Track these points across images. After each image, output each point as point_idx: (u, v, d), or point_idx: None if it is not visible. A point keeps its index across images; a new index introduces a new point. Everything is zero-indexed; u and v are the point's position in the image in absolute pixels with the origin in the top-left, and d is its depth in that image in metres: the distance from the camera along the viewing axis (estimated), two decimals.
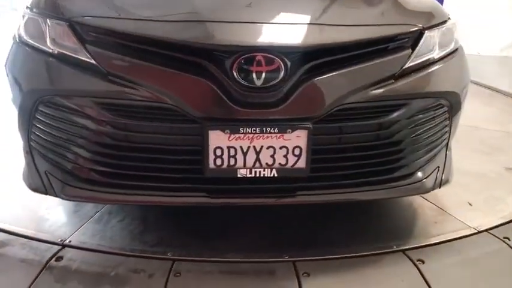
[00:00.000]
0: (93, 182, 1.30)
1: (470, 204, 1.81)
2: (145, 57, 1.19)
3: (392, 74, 1.31)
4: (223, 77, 1.17)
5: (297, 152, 1.24)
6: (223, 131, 1.19)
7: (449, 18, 1.59)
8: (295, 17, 1.32)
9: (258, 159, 1.23)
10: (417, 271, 1.35)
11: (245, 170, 1.24)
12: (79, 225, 1.56)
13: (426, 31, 1.40)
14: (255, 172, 1.25)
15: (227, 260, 1.36)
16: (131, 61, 1.19)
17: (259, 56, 1.17)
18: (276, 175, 1.26)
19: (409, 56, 1.34)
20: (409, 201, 1.81)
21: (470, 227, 1.62)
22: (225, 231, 1.56)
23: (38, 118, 1.29)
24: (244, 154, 1.22)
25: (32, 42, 1.32)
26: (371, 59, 1.28)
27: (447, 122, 1.49)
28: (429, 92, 1.37)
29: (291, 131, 1.21)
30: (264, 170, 1.25)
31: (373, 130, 1.31)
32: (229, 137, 1.20)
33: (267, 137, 1.21)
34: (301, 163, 1.25)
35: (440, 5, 1.67)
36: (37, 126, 1.31)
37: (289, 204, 1.36)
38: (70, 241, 1.46)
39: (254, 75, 1.18)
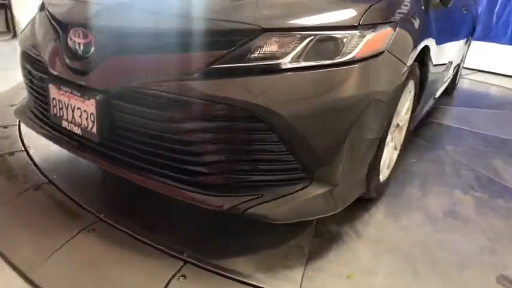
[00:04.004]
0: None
1: (348, 277, 1.37)
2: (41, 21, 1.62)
3: (198, 70, 1.25)
4: (64, 43, 1.47)
5: (92, 118, 1.40)
6: (54, 85, 1.49)
7: (356, 26, 1.28)
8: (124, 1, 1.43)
9: (73, 116, 1.47)
10: None
11: (66, 122, 1.51)
12: None
13: (268, 33, 1.23)
14: (71, 126, 1.49)
15: (126, 231, 1.51)
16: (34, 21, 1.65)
17: (79, 30, 1.40)
18: (80, 133, 1.46)
19: (224, 56, 1.23)
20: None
21: None
22: (161, 213, 1.66)
23: None
24: (66, 109, 1.49)
25: None
26: (179, 51, 1.27)
27: (280, 148, 1.26)
28: (235, 100, 1.21)
29: (87, 98, 1.39)
30: (75, 126, 1.48)
31: (162, 120, 1.30)
32: (58, 92, 1.49)
33: (76, 99, 1.43)
34: (94, 129, 1.40)
35: (349, 8, 1.33)
36: None
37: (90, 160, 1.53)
38: None
39: (77, 46, 1.42)
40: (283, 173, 1.32)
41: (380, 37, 1.35)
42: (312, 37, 1.25)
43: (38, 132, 1.69)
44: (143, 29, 1.33)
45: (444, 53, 2.38)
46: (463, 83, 4.89)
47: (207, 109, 1.24)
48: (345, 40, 1.27)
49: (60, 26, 1.49)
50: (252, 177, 1.31)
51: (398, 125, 1.90)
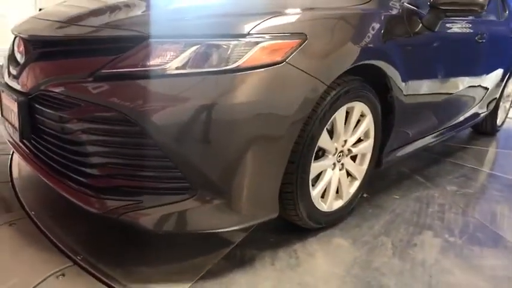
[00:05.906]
0: None
1: None
2: None
3: (87, 74, 1.31)
4: (12, 52, 1.65)
5: (16, 118, 1.53)
6: (3, 91, 1.67)
7: (244, 34, 1.27)
8: (55, 14, 1.56)
9: (11, 118, 1.62)
10: None
11: (8, 123, 1.66)
12: None
13: (152, 39, 1.27)
14: (9, 127, 1.63)
15: (43, 229, 1.61)
16: None
17: (19, 40, 1.58)
18: (12, 133, 1.60)
19: (111, 61, 1.28)
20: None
21: None
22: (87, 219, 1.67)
23: None
24: (7, 111, 1.64)
25: None
26: (73, 56, 1.37)
27: (158, 154, 1.25)
28: (114, 104, 1.24)
29: (14, 100, 1.52)
30: (11, 127, 1.62)
31: (59, 121, 1.37)
32: (3, 96, 1.66)
33: (11, 102, 1.58)
34: (18, 127, 1.52)
35: (244, 18, 1.31)
36: None
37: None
38: None
39: (16, 54, 1.60)
40: (166, 181, 1.29)
41: (278, 48, 1.30)
42: (199, 45, 1.25)
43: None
44: (50, 37, 1.47)
45: (434, 83, 2.17)
46: None
47: (90, 111, 1.29)
48: (230, 48, 1.24)
49: (14, 38, 1.69)
50: (135, 182, 1.30)
51: (349, 150, 1.75)
